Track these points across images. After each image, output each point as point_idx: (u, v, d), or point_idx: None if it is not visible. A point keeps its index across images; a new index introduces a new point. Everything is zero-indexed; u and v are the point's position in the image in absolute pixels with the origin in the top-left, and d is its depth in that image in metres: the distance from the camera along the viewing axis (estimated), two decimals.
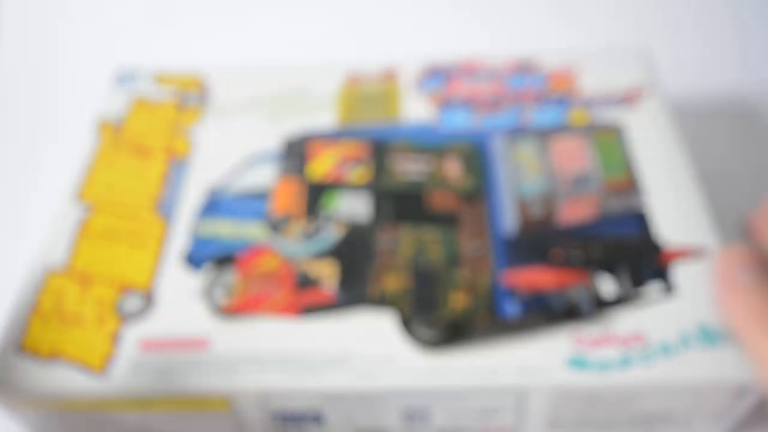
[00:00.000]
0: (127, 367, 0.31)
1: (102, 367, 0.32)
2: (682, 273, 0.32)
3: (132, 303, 0.34)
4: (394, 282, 0.34)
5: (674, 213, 0.35)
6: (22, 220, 0.48)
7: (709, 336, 0.30)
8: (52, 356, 0.32)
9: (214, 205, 0.38)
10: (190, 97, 0.43)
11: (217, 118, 0.42)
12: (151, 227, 0.37)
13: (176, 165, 0.40)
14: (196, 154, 0.40)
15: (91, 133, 0.42)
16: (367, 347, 0.31)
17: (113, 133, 0.42)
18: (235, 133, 0.41)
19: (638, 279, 0.33)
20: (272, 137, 0.40)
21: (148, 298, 0.34)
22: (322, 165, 0.39)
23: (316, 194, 0.37)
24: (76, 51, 0.61)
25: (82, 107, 0.48)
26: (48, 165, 0.51)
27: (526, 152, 0.38)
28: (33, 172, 0.51)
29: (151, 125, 0.42)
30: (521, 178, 0.37)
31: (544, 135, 0.39)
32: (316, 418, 0.32)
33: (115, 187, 0.39)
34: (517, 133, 0.39)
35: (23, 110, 0.57)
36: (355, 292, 0.33)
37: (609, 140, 0.38)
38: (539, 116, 0.40)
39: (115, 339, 0.33)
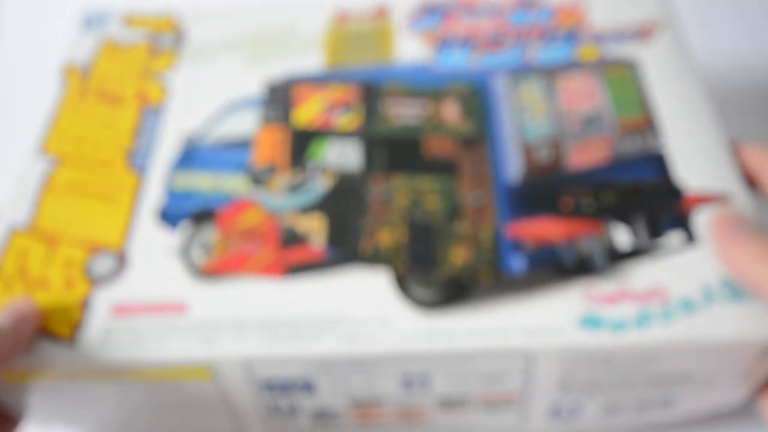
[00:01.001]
0: (98, 336, 0.29)
1: (71, 335, 0.29)
2: (704, 221, 0.30)
3: (103, 264, 0.31)
4: (388, 237, 0.31)
5: (694, 155, 0.32)
6: None
7: (733, 291, 0.28)
8: None
9: (191, 156, 0.35)
10: (164, 39, 0.40)
11: (193, 63, 0.39)
12: (122, 181, 0.34)
13: (149, 113, 0.36)
14: (171, 101, 0.37)
15: (55, 81, 0.38)
16: (360, 309, 0.29)
17: (80, 80, 0.38)
18: (213, 78, 0.38)
19: (656, 228, 0.30)
20: (253, 82, 0.37)
21: (121, 259, 0.31)
22: (308, 111, 0.35)
23: (301, 142, 0.34)
24: None
25: (46, 52, 0.44)
26: (9, 116, 0.47)
27: (531, 92, 0.35)
28: None
29: (121, 71, 0.38)
30: (525, 121, 0.34)
31: (550, 73, 0.35)
32: (307, 387, 0.29)
33: (83, 138, 0.36)
34: (521, 71, 0.35)
35: None
36: (345, 248, 0.30)
37: (621, 77, 0.35)
38: (545, 53, 0.36)
39: (84, 305, 0.30)
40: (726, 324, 0.27)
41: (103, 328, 0.29)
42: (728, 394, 0.30)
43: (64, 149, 0.35)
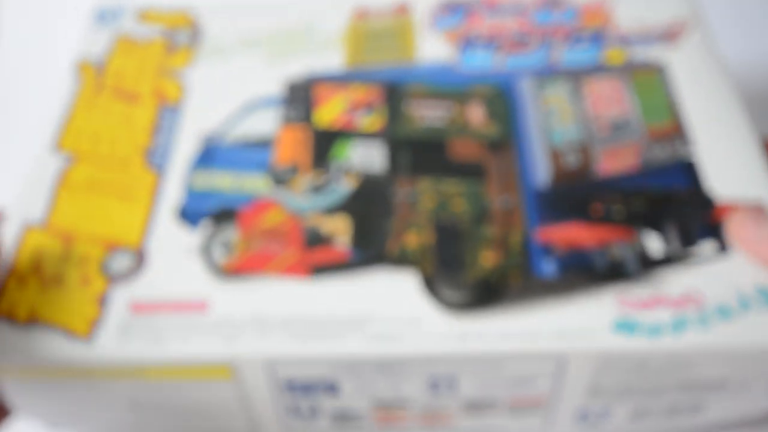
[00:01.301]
0: (115, 332, 0.28)
1: (87, 331, 0.28)
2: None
3: (120, 262, 0.30)
4: (414, 239, 0.30)
5: (726, 162, 0.31)
6: None
7: None
8: (31, 321, 0.29)
9: (210, 155, 0.34)
10: (180, 36, 0.39)
11: (211, 60, 0.38)
12: (140, 179, 0.33)
13: (167, 111, 0.36)
14: (189, 99, 0.36)
15: (69, 77, 0.38)
16: (386, 309, 0.28)
17: (94, 76, 0.37)
18: (231, 76, 0.37)
19: (688, 237, 0.29)
20: (272, 80, 0.36)
21: (139, 257, 0.30)
22: (329, 111, 0.35)
23: (324, 143, 0.33)
24: None
25: (59, 49, 0.43)
26: (23, 112, 0.46)
27: (558, 95, 0.34)
28: (7, 120, 0.47)
29: (137, 67, 0.38)
30: (553, 124, 0.33)
31: (577, 76, 0.35)
32: (330, 388, 0.29)
33: (99, 136, 0.35)
34: (547, 74, 0.35)
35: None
36: (371, 249, 0.30)
37: (650, 81, 0.34)
38: (570, 55, 0.36)
39: (101, 301, 0.29)
40: (762, 331, 0.26)
41: (122, 325, 0.28)
42: (759, 403, 0.30)
43: (80, 146, 0.34)
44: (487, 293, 0.28)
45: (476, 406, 0.29)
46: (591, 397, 0.29)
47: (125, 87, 0.37)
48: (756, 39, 0.51)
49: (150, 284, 0.29)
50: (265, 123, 0.35)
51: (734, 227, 0.28)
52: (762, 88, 0.48)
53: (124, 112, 0.36)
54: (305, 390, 0.29)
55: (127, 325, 0.28)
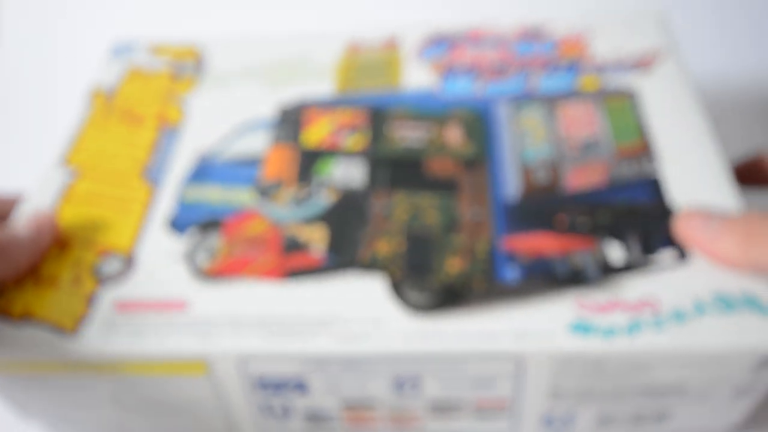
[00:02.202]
0: (99, 328, 0.30)
1: (74, 327, 0.30)
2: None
3: (111, 265, 0.32)
4: (386, 246, 0.31)
5: (692, 180, 0.32)
6: (12, 188, 0.47)
7: (726, 302, 0.28)
8: (24, 317, 0.30)
9: (203, 171, 0.36)
10: (186, 67, 0.42)
11: (212, 88, 0.41)
12: (136, 193, 0.35)
13: (167, 132, 0.38)
14: (189, 122, 0.39)
15: (83, 102, 0.41)
16: (354, 311, 0.29)
17: (105, 101, 0.40)
18: (230, 101, 0.40)
19: (649, 246, 0.30)
20: (268, 106, 0.39)
21: (129, 261, 0.32)
22: (317, 132, 0.37)
23: (309, 160, 0.36)
24: (76, 26, 0.61)
25: (78, 80, 0.47)
26: (41, 135, 0.50)
27: (532, 118, 0.36)
28: (27, 142, 0.51)
29: (144, 94, 0.41)
30: (526, 145, 0.35)
31: (552, 101, 0.37)
32: (300, 386, 0.30)
33: (103, 154, 0.38)
34: (523, 99, 0.37)
35: (21, 84, 0.57)
36: (344, 256, 0.31)
37: (621, 106, 0.36)
38: (547, 82, 0.38)
39: (90, 300, 0.31)
40: (717, 333, 0.27)
41: (106, 322, 0.30)
42: (726, 412, 0.30)
43: (84, 162, 0.37)
44: (451, 297, 0.29)
45: (442, 408, 0.30)
46: (554, 400, 0.29)
47: (132, 111, 0.40)
48: (730, 55, 0.52)
49: (136, 286, 0.31)
50: (256, 143, 0.37)
51: (683, 229, 0.29)
52: (733, 104, 0.49)
53: (128, 133, 0.39)
54: (276, 388, 0.30)
55: (111, 323, 0.30)
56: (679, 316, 0.28)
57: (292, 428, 0.32)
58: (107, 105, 0.40)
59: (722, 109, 0.46)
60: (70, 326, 0.30)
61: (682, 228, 0.29)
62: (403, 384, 0.29)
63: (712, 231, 0.28)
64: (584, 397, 0.29)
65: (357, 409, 0.31)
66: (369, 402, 0.30)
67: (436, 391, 0.29)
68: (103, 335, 0.29)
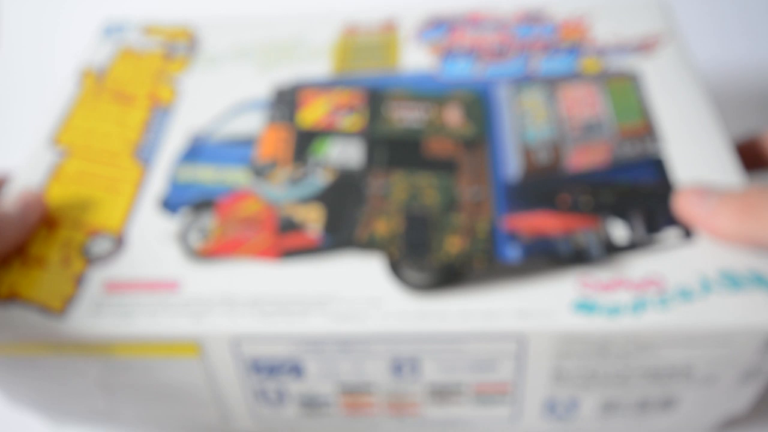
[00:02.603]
0: (88, 309, 0.29)
1: (62, 308, 0.29)
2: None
3: (101, 245, 0.31)
4: (384, 226, 0.31)
5: (696, 160, 0.31)
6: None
7: (733, 281, 0.27)
8: (10, 298, 0.29)
9: (196, 151, 0.35)
10: (179, 47, 0.41)
11: (206, 68, 0.40)
12: (127, 172, 0.35)
13: (159, 112, 0.37)
14: (181, 102, 0.38)
15: (72, 81, 0.40)
16: (351, 291, 0.28)
17: (95, 81, 0.39)
18: (223, 82, 0.39)
19: (653, 225, 0.30)
20: (262, 86, 0.38)
21: (119, 241, 0.31)
22: (313, 113, 0.36)
23: (305, 141, 0.35)
24: (67, 4, 0.60)
25: (69, 60, 0.46)
26: (31, 115, 0.49)
27: (533, 100, 0.35)
28: (16, 121, 0.50)
29: (136, 73, 0.40)
30: (526, 125, 0.34)
31: (553, 83, 0.36)
32: (295, 369, 0.29)
33: (93, 133, 0.37)
34: (523, 80, 0.36)
35: (11, 64, 0.56)
36: (341, 235, 0.31)
37: (623, 87, 0.35)
38: (548, 65, 0.37)
39: (78, 281, 0.30)
40: (724, 312, 0.26)
41: (95, 302, 0.29)
42: (733, 397, 0.29)
43: (74, 141, 0.36)
44: (450, 276, 0.29)
45: (441, 393, 0.29)
46: (556, 384, 0.29)
47: (123, 90, 0.39)
48: (731, 44, 0.52)
49: (126, 266, 0.30)
50: (251, 123, 0.36)
51: (681, 206, 0.29)
52: (734, 92, 0.48)
53: (119, 112, 0.38)
54: (271, 371, 0.29)
55: (100, 303, 0.29)
56: (684, 294, 0.27)
57: (287, 415, 0.31)
58: (98, 84, 0.39)
59: (723, 99, 0.45)
60: (57, 307, 0.29)
61: (680, 205, 0.29)
62: (401, 366, 0.28)
63: (710, 206, 0.28)
64: (588, 381, 0.28)
65: (354, 395, 0.30)
66: (366, 387, 0.29)
67: (435, 374, 0.29)
68: (92, 316, 0.29)
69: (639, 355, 0.27)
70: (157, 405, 0.31)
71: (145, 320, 0.28)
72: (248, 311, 0.28)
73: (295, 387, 0.30)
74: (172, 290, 0.29)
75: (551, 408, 0.30)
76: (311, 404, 0.30)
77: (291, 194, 0.33)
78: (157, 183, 0.34)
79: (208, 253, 0.30)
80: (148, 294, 0.29)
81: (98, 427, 0.34)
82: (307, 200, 0.32)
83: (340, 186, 0.32)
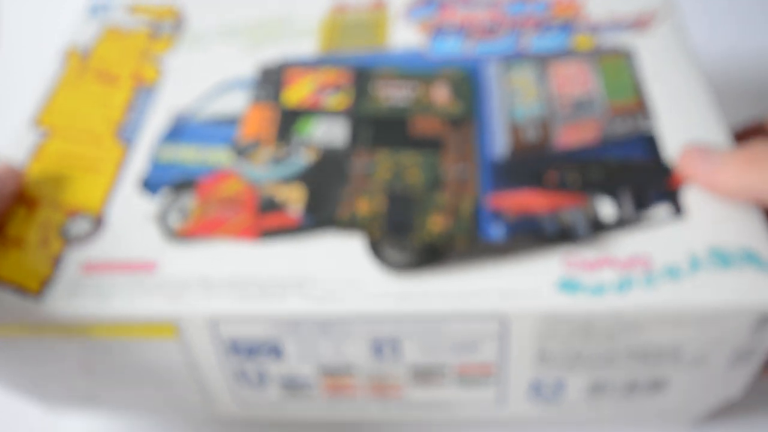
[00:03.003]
0: (65, 290, 0.28)
1: (38, 289, 0.28)
2: (693, 196, 0.28)
3: (79, 226, 0.31)
4: (366, 206, 0.30)
5: (689, 138, 0.30)
6: None
7: (724, 258, 0.26)
8: None
9: (179, 131, 0.35)
10: (164, 26, 0.40)
11: (191, 48, 0.39)
12: (109, 153, 0.34)
13: (143, 92, 0.37)
14: (165, 82, 0.37)
15: (56, 61, 0.39)
16: (331, 271, 0.28)
17: (80, 61, 0.39)
18: (209, 61, 0.38)
19: (643, 201, 0.29)
20: (248, 65, 0.37)
21: (98, 222, 0.31)
22: (298, 92, 0.35)
23: (289, 120, 0.34)
24: None
25: (54, 39, 0.45)
26: (14, 95, 0.49)
27: (523, 77, 0.34)
28: (2, 103, 0.49)
29: (120, 53, 0.39)
30: (515, 103, 0.33)
31: (543, 60, 0.35)
32: (274, 350, 0.28)
33: (76, 113, 0.36)
34: (514, 58, 0.35)
35: None
36: (322, 215, 0.30)
37: (616, 64, 0.34)
38: (539, 42, 0.36)
39: (56, 261, 0.29)
40: (714, 291, 0.25)
41: (72, 283, 0.28)
42: (724, 381, 0.28)
43: (56, 122, 0.36)
44: (432, 255, 0.28)
45: (424, 374, 0.29)
46: (541, 365, 0.28)
47: (107, 70, 0.38)
48: (727, 33, 0.51)
49: (104, 247, 0.30)
50: (235, 102, 0.35)
51: (684, 164, 0.28)
52: (728, 83, 0.47)
53: (102, 92, 0.37)
54: (250, 353, 0.28)
55: (77, 284, 0.28)
56: (672, 272, 0.26)
57: (268, 397, 0.31)
58: (82, 64, 0.39)
59: (721, 88, 0.44)
60: (34, 288, 0.29)
61: (683, 163, 0.28)
62: (381, 347, 0.28)
63: (713, 162, 0.27)
64: (573, 362, 0.28)
65: (335, 377, 0.29)
66: (347, 369, 0.29)
67: (416, 355, 0.28)
68: (69, 297, 0.28)
69: (625, 336, 0.26)
70: (139, 388, 0.31)
71: (122, 301, 0.28)
72: (226, 292, 0.27)
73: (275, 368, 0.29)
74: (149, 271, 0.29)
75: (537, 390, 0.29)
76: (292, 386, 0.30)
77: (273, 174, 0.32)
78: (139, 163, 0.33)
79: (187, 233, 0.30)
80: (125, 275, 0.29)
81: (85, 409, 0.34)
82: (289, 180, 0.31)
83: (323, 165, 0.32)
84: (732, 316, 0.25)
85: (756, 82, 0.49)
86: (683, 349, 0.27)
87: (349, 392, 0.30)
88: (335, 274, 0.27)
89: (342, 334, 0.27)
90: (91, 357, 0.29)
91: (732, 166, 0.27)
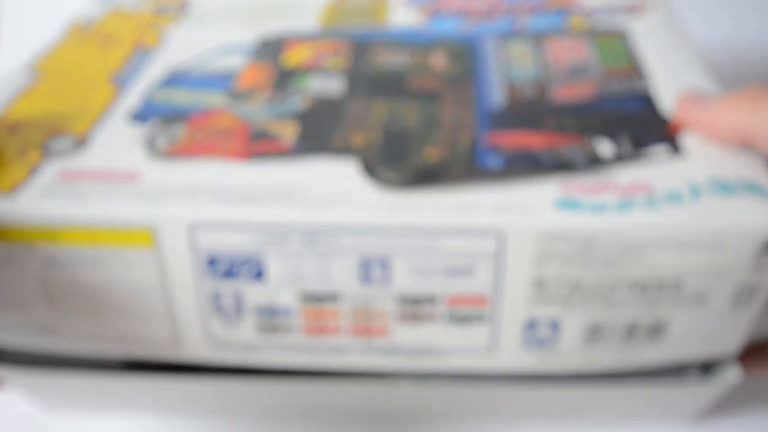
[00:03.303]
0: (38, 193, 0.27)
1: (9, 189, 0.27)
2: (691, 140, 0.28)
3: (62, 143, 0.30)
4: (361, 138, 0.29)
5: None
6: None
7: (725, 187, 0.25)
8: None
9: (175, 79, 0.34)
10: (169, 8, 0.41)
11: (194, 25, 0.40)
12: (101, 93, 0.33)
13: (142, 52, 0.37)
14: (165, 47, 0.37)
15: (59, 31, 0.39)
16: (321, 184, 0.27)
17: (81, 31, 0.39)
18: (210, 34, 0.38)
19: (640, 143, 0.28)
20: (249, 36, 0.37)
21: (82, 141, 0.30)
22: (297, 56, 0.36)
23: (286, 76, 0.34)
24: None
25: (59, 22, 0.45)
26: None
27: (519, 49, 0.35)
28: None
29: (124, 25, 0.39)
30: (512, 68, 0.33)
31: (540, 37, 0.36)
32: (254, 270, 0.27)
33: (72, 64, 0.36)
34: (510, 35, 0.36)
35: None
36: (315, 144, 0.29)
37: (611, 41, 0.35)
38: (535, 22, 0.37)
39: (32, 170, 0.28)
40: (716, 214, 0.25)
41: (46, 187, 0.27)
42: (724, 325, 0.27)
43: (51, 69, 0.35)
44: (427, 176, 0.27)
45: (412, 306, 0.27)
46: (536, 297, 0.26)
47: (109, 35, 0.38)
48: (721, 25, 0.52)
49: (85, 160, 0.29)
50: (233, 61, 0.35)
51: (680, 110, 0.28)
52: (727, 71, 0.48)
53: (102, 51, 0.37)
54: (228, 272, 0.27)
55: (51, 188, 0.27)
56: (674, 197, 0.25)
57: (242, 333, 0.28)
58: (84, 34, 0.39)
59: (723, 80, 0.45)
60: (4, 187, 0.27)
61: (679, 110, 0.28)
62: (369, 268, 0.26)
63: (707, 106, 0.27)
64: (571, 295, 0.26)
65: (317, 307, 0.27)
66: (331, 297, 0.27)
67: (406, 280, 0.26)
68: (41, 198, 0.27)
69: (625, 261, 0.25)
70: (102, 317, 0.29)
71: (98, 204, 0.26)
72: (208, 198, 0.26)
73: (253, 294, 0.27)
74: (130, 180, 0.27)
75: (531, 331, 0.27)
76: (270, 319, 0.28)
77: (267, 113, 0.31)
78: (131, 101, 0.33)
79: (174, 152, 0.29)
80: (104, 183, 0.27)
81: (38, 341, 0.32)
82: (283, 118, 0.31)
83: (318, 109, 0.31)
84: (735, 241, 0.24)
85: (752, 74, 0.49)
86: (684, 282, 0.26)
87: (331, 329, 0.28)
88: (326, 187, 0.26)
89: (329, 249, 0.26)
90: (55, 271, 0.27)
91: (725, 106, 0.27)
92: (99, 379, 0.31)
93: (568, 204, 0.25)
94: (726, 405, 0.35)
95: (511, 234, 0.25)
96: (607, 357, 0.28)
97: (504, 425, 0.35)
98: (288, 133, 0.30)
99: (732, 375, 0.29)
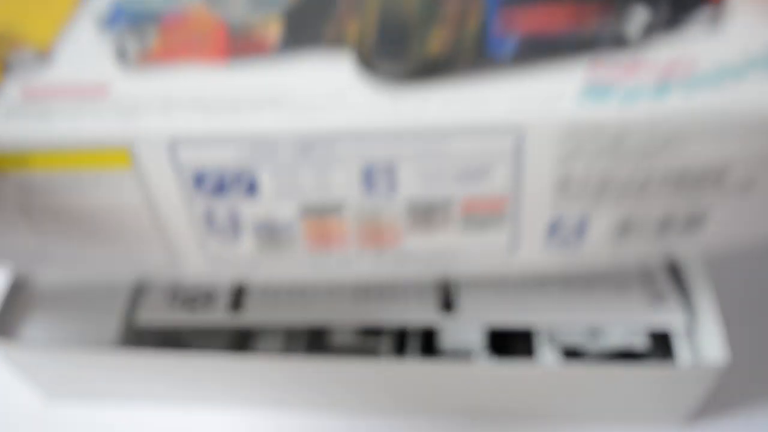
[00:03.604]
0: (1, 113, 0.24)
1: None
2: (739, 2, 0.24)
3: (23, 55, 0.27)
4: (355, 27, 0.26)
5: None
6: None
7: None
8: None
9: None
10: None
11: None
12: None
13: None
14: None
15: None
16: (313, 85, 0.24)
17: None
18: None
19: (681, 9, 0.24)
20: None
21: (45, 55, 0.27)
22: None
23: None
24: None
25: None
26: None
27: None
28: None
29: None
30: None
31: None
32: (246, 184, 0.24)
33: None
34: None
35: None
36: (304, 37, 0.26)
37: None
38: None
39: None
40: (762, 95, 0.21)
41: (7, 107, 0.24)
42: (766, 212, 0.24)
43: None
44: (431, 67, 0.24)
45: (424, 212, 0.25)
46: (561, 198, 0.24)
47: None
48: None
49: (50, 75, 0.26)
50: None
51: None
52: None
53: None
54: (218, 188, 0.24)
55: (13, 108, 0.24)
56: (718, 75, 0.22)
57: (242, 252, 0.26)
58: None
59: None
60: None
61: None
62: (373, 176, 0.24)
63: None
64: (599, 193, 0.23)
65: (320, 219, 0.25)
66: (334, 207, 0.25)
67: (415, 186, 0.24)
68: (5, 120, 0.24)
69: (662, 152, 0.22)
70: (91, 240, 0.27)
71: (66, 123, 0.24)
72: (188, 110, 0.23)
73: (248, 210, 0.25)
74: (101, 94, 0.24)
75: (554, 231, 0.25)
76: (270, 234, 0.26)
77: (248, 7, 0.28)
78: (98, 5, 0.29)
79: (146, 59, 0.26)
80: (72, 99, 0.24)
81: (38, 268, 0.30)
82: (267, 12, 0.27)
83: (307, 4, 0.28)
84: None
85: None
86: (727, 171, 0.23)
87: (337, 242, 0.26)
88: (318, 88, 0.23)
89: (326, 158, 0.23)
90: (33, 198, 0.25)
91: None
92: (99, 357, 0.30)
93: (595, 91, 0.22)
94: (721, 406, 0.33)
95: (530, 130, 0.22)
96: (635, 253, 0.26)
97: (503, 425, 0.33)
98: (273, 29, 0.27)
99: (720, 358, 0.27)
